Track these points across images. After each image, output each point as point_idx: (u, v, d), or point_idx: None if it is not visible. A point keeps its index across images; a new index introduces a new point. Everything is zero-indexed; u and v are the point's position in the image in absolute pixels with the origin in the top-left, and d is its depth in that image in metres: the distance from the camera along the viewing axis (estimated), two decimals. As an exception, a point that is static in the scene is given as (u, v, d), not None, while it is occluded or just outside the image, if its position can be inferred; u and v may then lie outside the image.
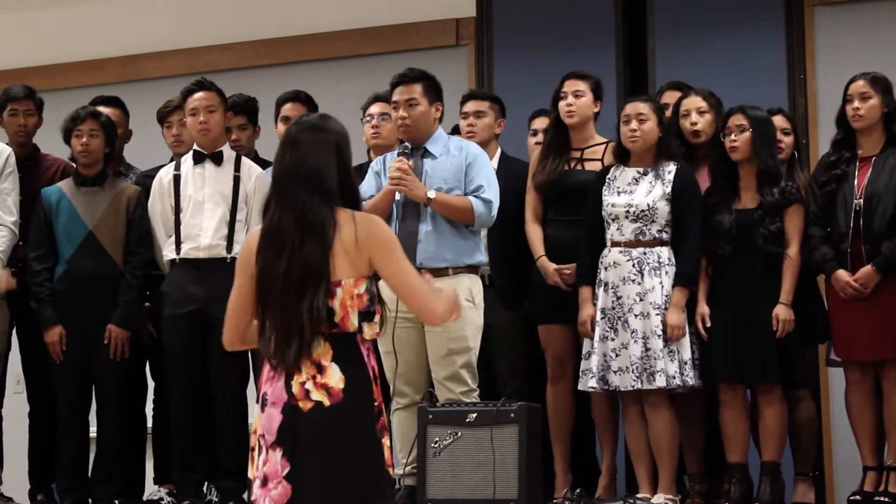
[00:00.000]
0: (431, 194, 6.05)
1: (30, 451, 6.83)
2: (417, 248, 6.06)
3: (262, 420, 4.06)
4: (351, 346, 4.05)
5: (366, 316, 4.06)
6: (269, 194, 4.10)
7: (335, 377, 4.01)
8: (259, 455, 4.06)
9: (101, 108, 7.00)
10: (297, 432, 4.00)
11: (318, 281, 3.98)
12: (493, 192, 6.14)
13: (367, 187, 6.21)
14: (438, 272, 6.05)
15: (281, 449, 4.00)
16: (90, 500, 6.66)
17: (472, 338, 6.12)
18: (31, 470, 6.82)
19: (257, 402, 4.10)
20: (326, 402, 3.99)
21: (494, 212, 6.14)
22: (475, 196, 6.11)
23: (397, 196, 6.10)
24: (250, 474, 4.10)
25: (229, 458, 6.46)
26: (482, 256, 6.22)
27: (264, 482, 4.03)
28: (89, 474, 6.69)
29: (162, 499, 6.81)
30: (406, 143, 6.23)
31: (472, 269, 6.18)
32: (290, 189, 4.04)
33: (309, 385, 4.00)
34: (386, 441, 4.10)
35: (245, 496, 6.50)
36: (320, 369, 4.01)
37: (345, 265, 4.01)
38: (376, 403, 4.08)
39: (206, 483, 6.66)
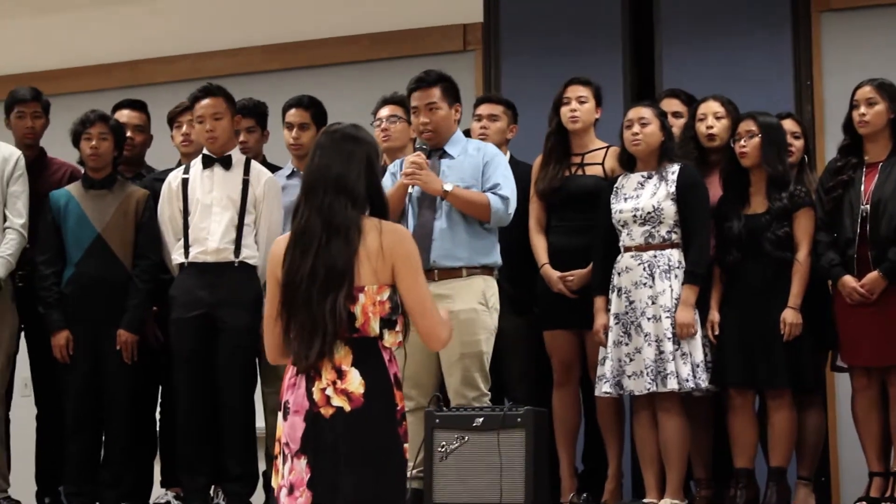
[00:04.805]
0: (448, 187, 6.03)
1: (37, 454, 6.84)
2: (432, 245, 6.06)
3: (286, 429, 4.08)
4: (371, 351, 4.07)
5: (387, 323, 4.08)
6: (299, 198, 4.14)
7: (355, 382, 4.03)
8: (284, 464, 4.08)
9: (125, 112, 7.03)
10: (320, 439, 4.01)
11: (341, 282, 4.01)
12: (510, 189, 6.13)
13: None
14: (452, 272, 6.06)
15: (305, 457, 4.03)
16: (97, 503, 6.68)
17: (486, 342, 6.10)
18: (38, 473, 6.83)
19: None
20: (347, 408, 4.01)
21: (511, 209, 6.13)
22: (493, 193, 6.10)
23: (411, 190, 6.09)
24: (275, 483, 4.11)
25: (236, 462, 6.46)
26: (497, 257, 6.19)
27: (290, 490, 4.05)
28: (97, 477, 6.69)
29: (169, 502, 6.82)
30: (423, 142, 6.21)
31: (486, 269, 6.15)
32: (319, 192, 4.08)
33: (329, 391, 4.02)
34: (408, 446, 4.11)
35: (252, 499, 6.52)
36: (340, 374, 4.03)
37: (368, 272, 4.04)
38: (398, 408, 4.09)
39: (213, 486, 6.67)
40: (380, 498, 4.01)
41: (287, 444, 4.07)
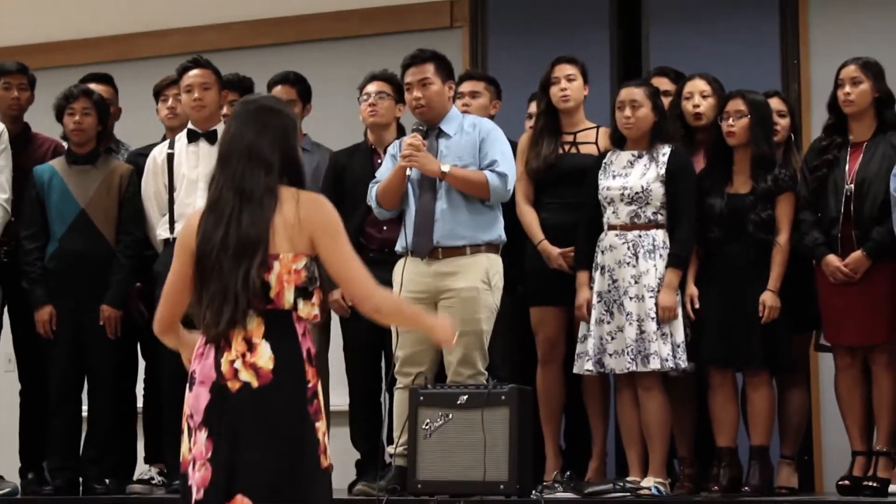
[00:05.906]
0: (445, 168, 6.04)
1: (20, 430, 6.83)
2: (434, 227, 6.06)
3: (190, 399, 3.95)
4: (284, 324, 3.96)
5: (303, 293, 3.97)
6: (214, 168, 4.06)
7: (265, 356, 3.92)
8: (190, 437, 3.96)
9: (92, 86, 6.99)
10: (224, 413, 3.89)
11: (254, 250, 3.91)
12: (507, 165, 6.14)
13: (383, 170, 6.20)
14: (455, 251, 6.06)
15: (206, 429, 3.91)
16: (81, 479, 6.67)
17: (486, 320, 6.10)
18: (21, 448, 6.82)
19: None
20: (255, 384, 3.89)
21: (510, 185, 6.14)
22: (490, 170, 6.10)
23: (409, 173, 6.08)
24: (182, 457, 3.99)
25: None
26: (501, 232, 6.19)
27: (194, 464, 3.93)
28: (80, 453, 6.69)
29: (153, 478, 6.80)
30: (419, 122, 6.21)
31: (490, 246, 6.14)
32: (232, 161, 3.99)
33: (238, 364, 3.90)
34: (320, 425, 3.97)
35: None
36: (251, 347, 3.92)
37: (284, 240, 3.95)
38: (310, 385, 3.97)
39: (196, 463, 6.65)
40: (282, 477, 3.87)
41: (191, 416, 3.95)
